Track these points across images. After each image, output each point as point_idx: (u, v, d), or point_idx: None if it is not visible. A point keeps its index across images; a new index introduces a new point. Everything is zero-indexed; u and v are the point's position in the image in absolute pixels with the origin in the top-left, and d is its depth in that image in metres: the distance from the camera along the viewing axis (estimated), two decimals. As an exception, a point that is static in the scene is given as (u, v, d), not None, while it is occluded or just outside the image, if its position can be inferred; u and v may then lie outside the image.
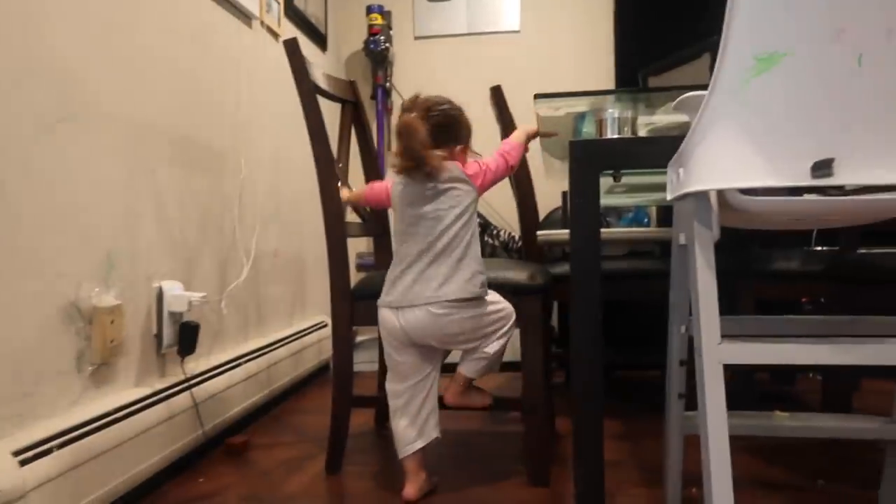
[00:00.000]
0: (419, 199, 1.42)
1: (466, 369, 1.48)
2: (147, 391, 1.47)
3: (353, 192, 1.67)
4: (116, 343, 1.38)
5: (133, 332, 1.47)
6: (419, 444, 1.43)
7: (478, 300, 1.41)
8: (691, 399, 1.16)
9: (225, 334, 1.91)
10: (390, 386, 1.47)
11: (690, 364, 1.17)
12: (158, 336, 1.55)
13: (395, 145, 1.43)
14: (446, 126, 1.43)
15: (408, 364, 1.44)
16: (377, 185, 1.66)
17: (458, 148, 1.46)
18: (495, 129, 2.03)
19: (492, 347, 1.44)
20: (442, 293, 1.37)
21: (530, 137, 1.59)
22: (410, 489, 1.42)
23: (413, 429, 1.43)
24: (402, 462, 1.44)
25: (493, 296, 1.46)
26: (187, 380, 1.60)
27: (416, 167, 1.38)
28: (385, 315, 1.43)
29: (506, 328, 1.46)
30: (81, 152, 1.33)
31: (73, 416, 1.25)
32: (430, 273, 1.39)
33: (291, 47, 1.60)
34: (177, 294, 1.57)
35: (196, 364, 1.70)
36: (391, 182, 1.53)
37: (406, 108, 1.43)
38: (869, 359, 0.91)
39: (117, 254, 1.43)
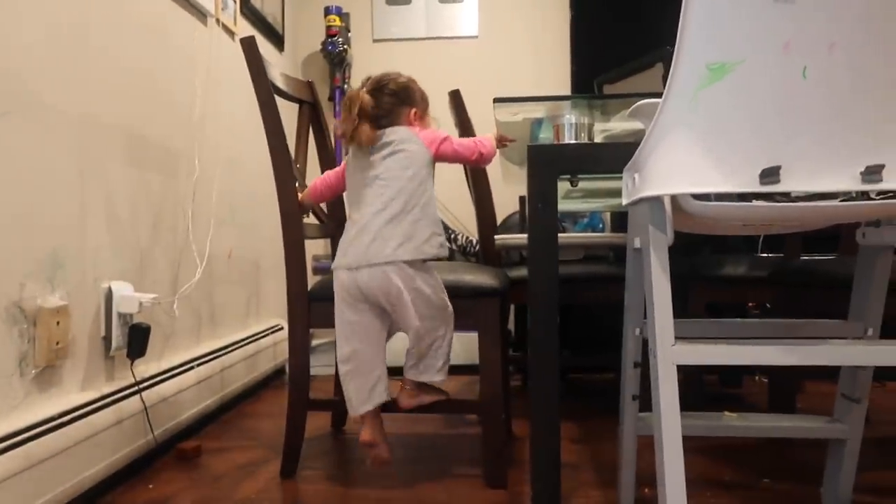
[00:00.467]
0: (372, 163, 1.46)
1: (410, 375, 1.50)
2: (94, 395, 1.43)
3: (303, 193, 1.66)
4: (62, 345, 1.33)
5: (80, 334, 1.43)
6: (369, 407, 1.45)
7: (432, 266, 1.45)
8: (645, 400, 1.18)
9: (177, 337, 1.87)
10: (341, 351, 1.47)
11: (644, 366, 1.20)
12: (107, 338, 1.50)
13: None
14: (397, 92, 1.51)
15: (361, 324, 1.45)
16: (328, 173, 1.67)
17: (413, 112, 1.52)
18: (454, 132, 2.03)
19: (432, 342, 1.47)
20: (399, 253, 1.40)
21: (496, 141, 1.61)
22: (367, 433, 1.45)
23: (363, 392, 1.45)
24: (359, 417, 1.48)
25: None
26: (137, 383, 1.56)
27: (350, 138, 1.47)
28: (341, 276, 1.45)
29: (447, 329, 1.48)
30: (27, 147, 1.29)
31: (14, 421, 1.21)
32: (386, 233, 1.41)
33: (249, 45, 1.57)
34: (126, 295, 1.53)
35: (146, 367, 1.65)
36: (344, 164, 1.59)
37: (361, 86, 1.53)
38: (814, 359, 0.95)
39: (65, 253, 1.38)
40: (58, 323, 1.32)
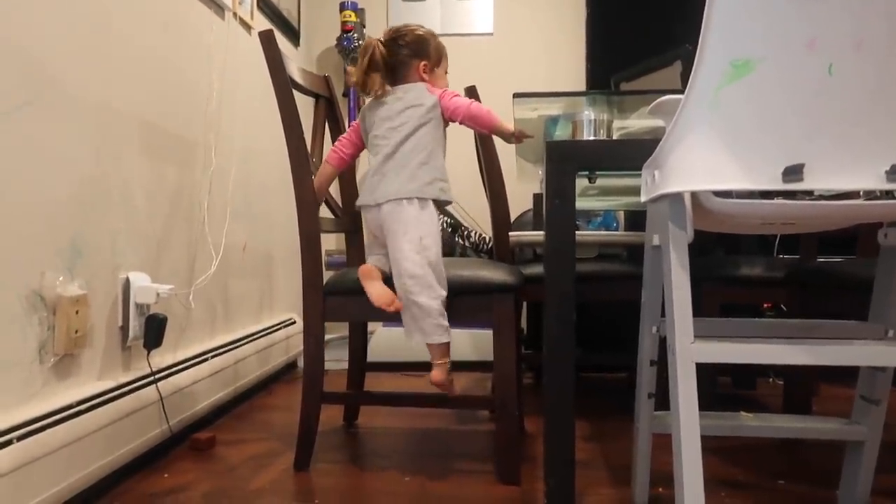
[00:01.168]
0: (388, 113, 1.55)
1: (420, 334, 1.47)
2: (111, 384, 1.44)
3: (319, 173, 1.69)
4: (81, 334, 1.34)
5: (98, 324, 1.44)
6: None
7: (434, 208, 1.51)
8: (660, 399, 1.18)
9: (192, 329, 1.88)
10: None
11: (661, 365, 1.20)
12: (124, 328, 1.52)
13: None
14: (410, 44, 1.58)
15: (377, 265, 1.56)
16: (340, 137, 1.71)
17: (422, 64, 1.58)
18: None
19: (422, 299, 1.45)
20: (403, 190, 1.48)
21: (504, 131, 1.56)
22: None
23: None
24: None
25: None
26: (153, 374, 1.57)
27: (362, 87, 1.57)
28: (364, 215, 1.59)
29: (427, 297, 1.45)
30: (47, 136, 1.30)
31: (33, 408, 1.22)
32: (392, 174, 1.50)
33: (267, 39, 1.58)
34: (144, 286, 1.54)
35: (162, 358, 1.66)
36: (357, 120, 1.66)
37: (383, 35, 1.61)
38: (836, 358, 0.94)
39: (83, 241, 1.39)
40: (77, 312, 1.33)
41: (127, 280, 1.52)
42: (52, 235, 1.31)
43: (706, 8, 0.91)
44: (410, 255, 1.46)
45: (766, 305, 2.26)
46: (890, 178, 0.91)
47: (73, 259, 1.36)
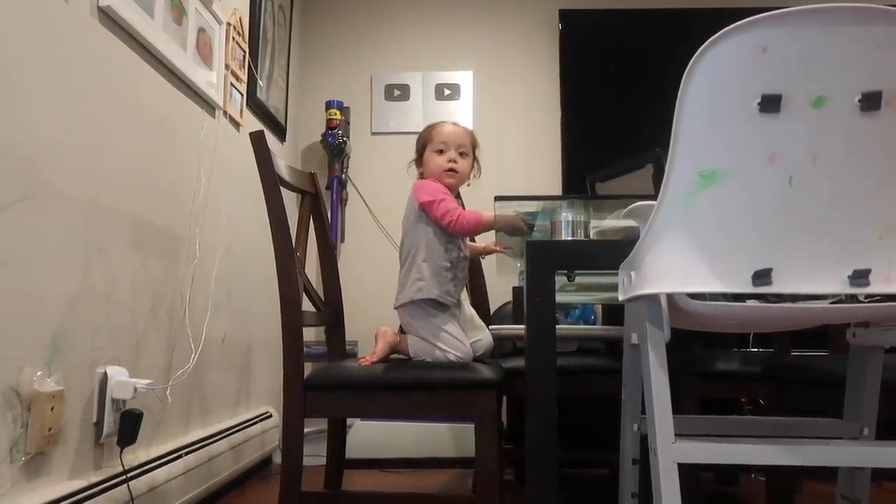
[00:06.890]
0: None
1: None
2: (82, 484, 1.39)
3: None
4: (54, 431, 1.31)
5: (72, 420, 1.41)
6: None
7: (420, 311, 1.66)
8: (644, 499, 1.17)
9: (167, 424, 1.84)
10: None
11: (643, 463, 1.20)
12: (98, 424, 1.48)
13: None
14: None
15: None
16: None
17: (413, 161, 1.84)
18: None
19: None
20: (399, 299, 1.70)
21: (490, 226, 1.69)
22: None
23: None
24: None
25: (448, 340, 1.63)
26: (125, 472, 1.52)
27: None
28: None
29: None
30: (37, 231, 1.31)
31: (0, 511, 1.17)
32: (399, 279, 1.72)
33: (258, 139, 1.64)
34: (122, 381, 1.52)
35: (135, 455, 1.62)
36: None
37: None
38: (813, 459, 0.96)
39: (63, 337, 1.38)
40: (52, 408, 1.30)
41: (105, 375, 1.50)
42: (34, 330, 1.30)
43: (674, 121, 0.98)
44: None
45: (743, 400, 2.28)
46: (853, 282, 0.96)
47: (52, 354, 1.34)
